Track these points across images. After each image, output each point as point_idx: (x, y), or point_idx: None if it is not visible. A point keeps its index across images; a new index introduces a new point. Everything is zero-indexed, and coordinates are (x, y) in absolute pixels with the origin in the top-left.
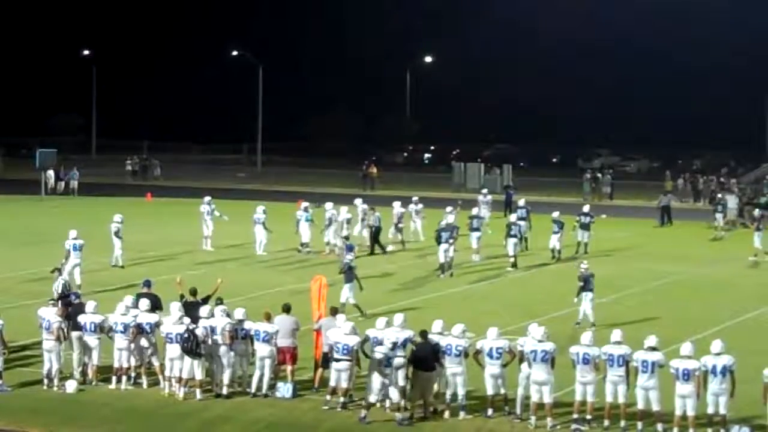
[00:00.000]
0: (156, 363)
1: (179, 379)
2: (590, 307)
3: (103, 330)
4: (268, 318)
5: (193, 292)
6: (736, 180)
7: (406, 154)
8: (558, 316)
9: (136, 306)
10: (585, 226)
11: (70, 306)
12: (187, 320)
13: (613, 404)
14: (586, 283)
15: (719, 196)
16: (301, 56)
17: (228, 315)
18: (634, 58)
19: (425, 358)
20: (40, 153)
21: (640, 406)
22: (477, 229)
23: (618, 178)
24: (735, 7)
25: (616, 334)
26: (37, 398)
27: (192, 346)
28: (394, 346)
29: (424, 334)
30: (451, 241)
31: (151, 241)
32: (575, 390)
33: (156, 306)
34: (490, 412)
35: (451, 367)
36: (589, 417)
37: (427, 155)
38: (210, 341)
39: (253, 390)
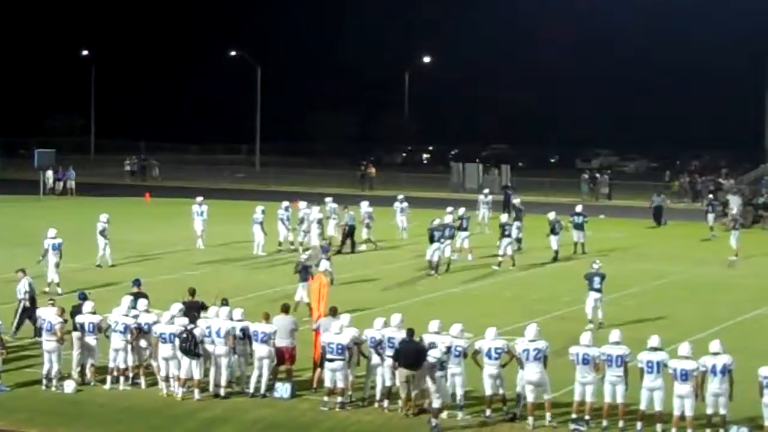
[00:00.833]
0: (155, 363)
1: (177, 379)
2: (591, 307)
3: (101, 330)
4: (267, 318)
5: (192, 292)
6: (734, 181)
7: (404, 154)
8: (557, 316)
9: (134, 306)
10: (578, 226)
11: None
12: (179, 320)
13: (612, 404)
14: (591, 282)
15: (710, 196)
16: (299, 56)
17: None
18: (633, 58)
19: (410, 356)
20: (39, 153)
21: (643, 406)
22: (465, 229)
23: (616, 178)
24: (733, 6)
25: (615, 335)
26: (36, 398)
27: (190, 346)
28: (448, 350)
29: (410, 332)
30: (443, 240)
31: (149, 242)
32: (574, 390)
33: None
34: (488, 412)
35: (451, 367)
36: (587, 417)
37: (425, 155)
38: (209, 342)
39: (251, 390)
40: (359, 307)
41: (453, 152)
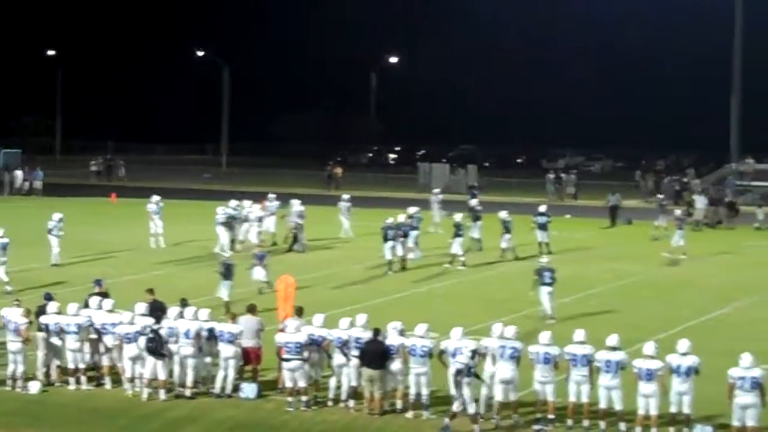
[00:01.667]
0: (119, 364)
1: (143, 380)
2: (548, 300)
3: (64, 330)
4: (233, 318)
5: (150, 292)
6: (699, 180)
7: (371, 155)
8: (521, 316)
9: (100, 307)
10: (542, 226)
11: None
12: (140, 320)
13: (577, 404)
14: (542, 277)
15: (660, 196)
16: (267, 57)
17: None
18: (599, 58)
19: (374, 355)
20: (5, 154)
21: (603, 405)
22: (416, 228)
23: (582, 178)
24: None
25: (579, 334)
26: (0, 399)
27: (156, 346)
28: (474, 354)
29: (376, 332)
30: (396, 239)
31: (115, 242)
32: (535, 390)
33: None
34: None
35: (416, 367)
36: (551, 416)
37: (392, 156)
38: (174, 342)
39: (217, 390)
40: (324, 307)
41: (420, 152)
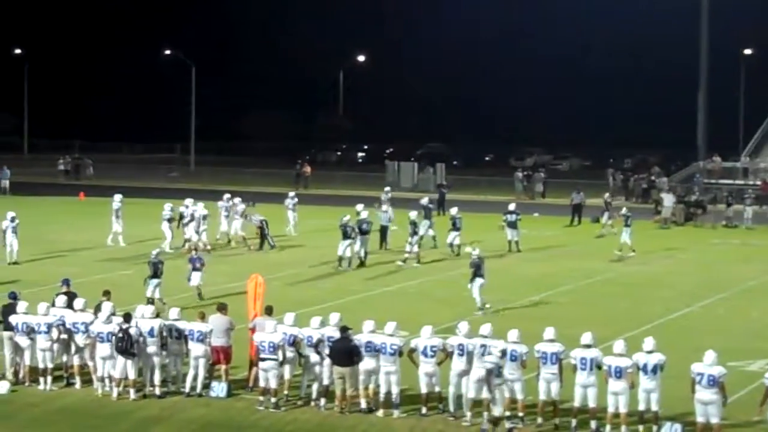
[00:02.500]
0: (91, 363)
1: (111, 379)
2: (479, 293)
3: (33, 330)
4: (202, 317)
5: (106, 294)
6: (667, 179)
7: (339, 153)
8: (491, 313)
9: (70, 306)
10: (512, 224)
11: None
12: (117, 319)
13: (547, 402)
14: (477, 269)
15: (606, 195)
16: (234, 55)
17: (159, 315)
18: (566, 56)
19: (343, 353)
20: None
21: (577, 403)
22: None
23: (550, 176)
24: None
25: (549, 332)
26: None
27: (126, 345)
28: (503, 354)
29: (344, 329)
30: (354, 235)
31: (83, 241)
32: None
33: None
34: (424, 410)
35: (386, 365)
36: (521, 414)
37: (360, 154)
38: (141, 341)
39: (187, 390)
40: (294, 306)
41: (388, 151)
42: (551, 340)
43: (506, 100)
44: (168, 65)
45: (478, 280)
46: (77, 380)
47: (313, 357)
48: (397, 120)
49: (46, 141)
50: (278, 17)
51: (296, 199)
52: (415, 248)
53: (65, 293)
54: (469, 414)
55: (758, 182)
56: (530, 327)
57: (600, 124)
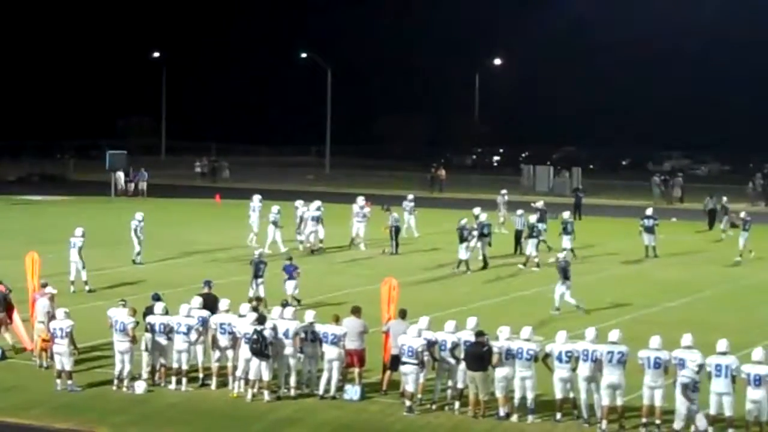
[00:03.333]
0: (229, 364)
1: (247, 381)
2: (569, 295)
3: (172, 331)
4: (337, 320)
5: (208, 284)
6: None
7: (474, 157)
8: (626, 320)
9: (206, 307)
10: (649, 229)
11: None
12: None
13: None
14: (565, 273)
15: (724, 199)
16: (370, 58)
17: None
18: (710, 58)
19: (476, 358)
20: (111, 155)
21: (713, 411)
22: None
23: (688, 181)
24: None
25: (686, 339)
26: (107, 399)
27: (261, 347)
28: (700, 368)
29: (479, 334)
30: (470, 238)
31: (220, 243)
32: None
33: (212, 306)
34: (558, 416)
35: (521, 371)
36: (658, 422)
37: (496, 158)
38: (277, 342)
39: (320, 392)
40: (427, 310)
41: (524, 154)
42: (689, 347)
43: (643, 103)
44: (304, 68)
45: (567, 283)
46: (213, 382)
47: (448, 361)
48: (533, 123)
49: (183, 143)
50: (414, 17)
51: (413, 203)
52: (534, 251)
53: (204, 294)
54: (604, 422)
55: None
56: (668, 333)
57: (740, 128)
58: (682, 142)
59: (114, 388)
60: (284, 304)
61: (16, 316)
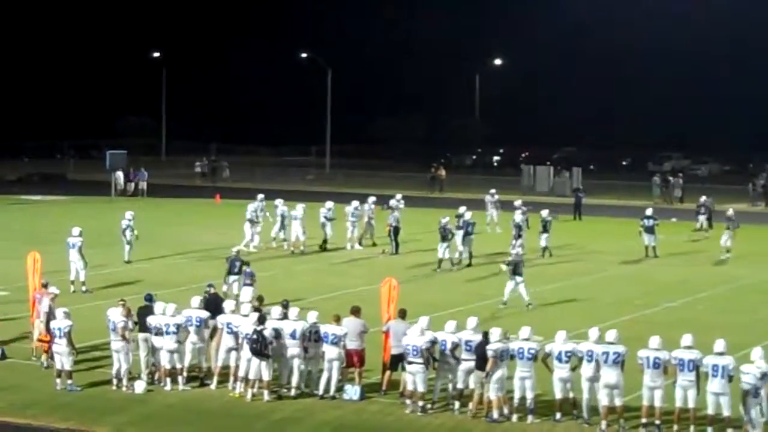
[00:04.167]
0: (233, 364)
1: (247, 381)
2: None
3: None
4: (337, 320)
5: (211, 286)
6: None
7: (474, 157)
8: (625, 320)
9: (207, 308)
10: (649, 230)
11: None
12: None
13: (683, 409)
14: (516, 269)
15: (704, 198)
16: (370, 58)
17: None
18: (711, 58)
19: (482, 358)
20: (110, 154)
21: (711, 411)
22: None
23: (689, 181)
24: None
25: (687, 339)
26: (106, 398)
27: (260, 347)
28: (763, 376)
29: (486, 334)
30: (450, 237)
31: (220, 243)
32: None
33: (216, 308)
34: (558, 416)
35: (522, 371)
36: (657, 422)
37: (496, 158)
38: (278, 343)
39: (320, 392)
40: (426, 310)
41: (524, 154)
42: (689, 347)
43: (643, 103)
44: (304, 68)
45: (518, 278)
46: (213, 381)
47: (449, 361)
48: (533, 124)
49: (183, 143)
50: (414, 18)
51: (402, 202)
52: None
53: (209, 295)
54: (604, 423)
55: None
56: (667, 333)
57: (741, 128)
58: (682, 142)
59: (113, 387)
60: (284, 304)
61: None
